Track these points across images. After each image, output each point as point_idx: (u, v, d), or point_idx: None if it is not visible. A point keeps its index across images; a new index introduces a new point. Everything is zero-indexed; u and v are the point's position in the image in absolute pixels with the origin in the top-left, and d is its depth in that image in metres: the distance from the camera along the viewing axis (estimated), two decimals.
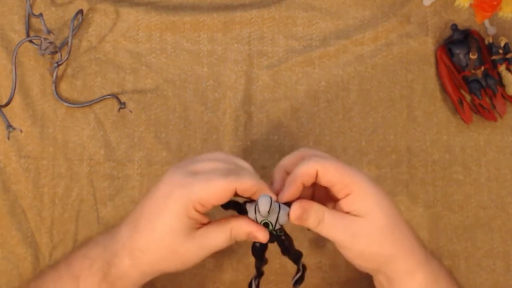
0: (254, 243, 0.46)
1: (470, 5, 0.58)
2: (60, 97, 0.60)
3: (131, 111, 0.60)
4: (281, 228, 0.45)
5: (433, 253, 0.50)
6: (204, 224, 0.44)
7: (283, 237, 0.45)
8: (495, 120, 0.60)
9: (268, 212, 0.41)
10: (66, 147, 0.59)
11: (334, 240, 0.43)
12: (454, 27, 0.62)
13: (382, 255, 0.43)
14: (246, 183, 0.42)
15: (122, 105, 0.59)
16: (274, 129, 0.60)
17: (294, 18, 0.62)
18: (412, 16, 0.63)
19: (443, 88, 0.62)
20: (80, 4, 0.61)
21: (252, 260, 0.58)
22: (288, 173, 0.45)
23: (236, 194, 0.43)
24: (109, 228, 0.47)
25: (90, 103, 0.60)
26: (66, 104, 0.60)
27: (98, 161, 0.59)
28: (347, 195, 0.43)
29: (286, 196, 0.43)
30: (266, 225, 0.43)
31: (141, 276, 0.44)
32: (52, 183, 0.58)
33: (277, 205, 0.43)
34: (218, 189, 0.41)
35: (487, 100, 0.61)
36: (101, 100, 0.60)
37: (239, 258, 0.58)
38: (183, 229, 0.42)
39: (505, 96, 0.61)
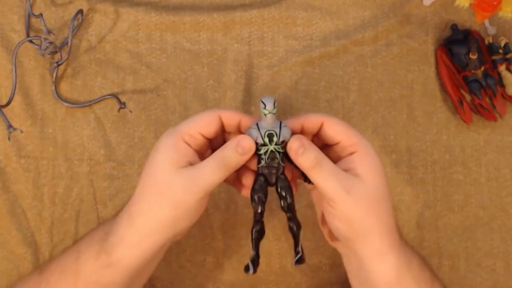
0: (254, 184, 0.44)
1: (470, 5, 0.58)
2: (60, 97, 0.60)
3: (131, 111, 0.60)
4: (284, 149, 0.43)
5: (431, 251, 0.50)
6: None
7: (283, 176, 0.44)
8: (495, 120, 0.60)
9: (274, 105, 0.42)
10: (66, 147, 0.59)
11: (325, 190, 0.42)
12: (454, 27, 0.62)
13: (364, 224, 0.43)
14: (229, 110, 0.44)
15: (122, 105, 0.59)
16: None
17: (294, 18, 0.62)
18: (412, 16, 0.63)
19: (443, 88, 0.62)
20: (80, 4, 0.61)
21: None
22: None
23: (223, 131, 0.44)
24: None
25: (90, 103, 0.60)
26: (66, 104, 0.60)
27: (98, 161, 0.59)
28: (351, 154, 0.43)
29: (285, 121, 0.44)
30: (270, 136, 0.42)
31: (138, 240, 0.42)
32: (52, 183, 0.58)
33: (279, 122, 0.43)
34: (202, 117, 0.43)
35: (487, 100, 0.61)
36: (101, 100, 0.60)
37: (239, 258, 0.58)
38: (170, 163, 0.41)
39: (505, 96, 0.61)
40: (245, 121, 0.44)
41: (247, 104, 0.60)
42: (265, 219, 0.57)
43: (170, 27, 0.61)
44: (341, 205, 0.42)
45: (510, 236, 0.59)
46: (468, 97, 0.61)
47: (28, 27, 0.61)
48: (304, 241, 0.57)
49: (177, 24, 0.61)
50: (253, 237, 0.45)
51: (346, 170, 0.43)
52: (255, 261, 0.46)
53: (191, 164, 0.42)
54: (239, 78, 0.61)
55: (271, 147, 0.43)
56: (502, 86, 0.61)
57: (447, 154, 0.61)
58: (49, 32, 0.58)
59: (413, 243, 0.59)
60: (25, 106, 0.59)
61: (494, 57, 0.61)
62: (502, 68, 0.61)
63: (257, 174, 0.44)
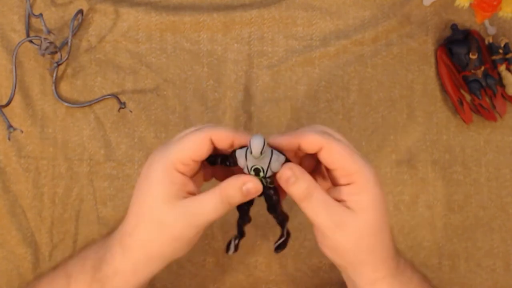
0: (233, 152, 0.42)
1: (470, 5, 0.58)
2: (60, 97, 0.60)
3: (131, 111, 0.60)
4: (272, 180, 0.42)
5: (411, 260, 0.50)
6: (192, 194, 0.41)
7: (272, 191, 0.42)
8: (495, 120, 0.60)
9: (261, 152, 0.38)
10: (66, 147, 0.59)
11: (315, 223, 0.41)
12: (454, 27, 0.62)
13: (354, 257, 0.42)
14: (221, 130, 0.40)
15: (122, 105, 0.59)
16: (274, 129, 0.60)
17: (294, 18, 0.62)
18: (412, 16, 0.63)
19: (443, 88, 0.62)
20: (80, 4, 0.61)
21: (252, 260, 0.58)
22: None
23: (215, 150, 0.41)
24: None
25: (90, 103, 0.60)
26: (66, 104, 0.60)
27: (98, 161, 0.59)
28: (348, 184, 0.41)
29: (277, 140, 0.41)
30: (257, 171, 0.40)
31: (133, 270, 0.41)
32: (52, 183, 0.58)
33: (269, 149, 0.40)
34: (193, 142, 0.40)
35: (487, 100, 0.61)
36: (101, 100, 0.60)
37: (239, 258, 0.58)
38: (167, 196, 0.39)
39: (505, 96, 0.61)
40: (239, 141, 0.41)
41: (247, 104, 0.60)
42: (265, 220, 0.57)
43: (170, 27, 0.61)
44: (330, 238, 0.41)
45: (510, 236, 0.59)
46: (468, 97, 0.61)
47: (28, 27, 0.61)
48: (304, 241, 0.58)
49: (177, 24, 0.61)
50: (238, 223, 0.46)
51: (340, 201, 0.41)
52: (239, 239, 0.47)
53: (188, 192, 0.41)
54: (239, 78, 0.61)
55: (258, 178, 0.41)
56: (502, 86, 0.61)
57: (447, 154, 0.61)
58: (49, 32, 0.58)
59: (413, 243, 0.59)
60: (25, 106, 0.59)
61: (494, 57, 0.61)
62: (502, 68, 0.61)
63: (234, 153, 0.42)
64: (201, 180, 0.45)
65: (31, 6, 0.61)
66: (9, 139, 0.57)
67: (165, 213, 0.40)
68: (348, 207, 0.40)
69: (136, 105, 0.60)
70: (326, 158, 0.41)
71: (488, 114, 0.60)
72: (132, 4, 0.62)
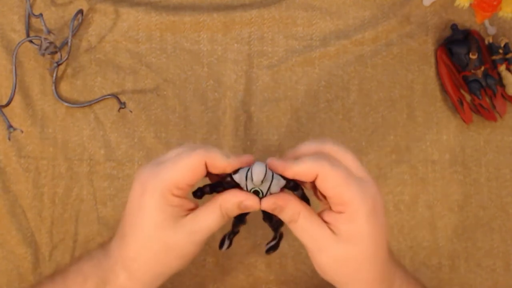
0: (225, 177, 0.42)
1: (470, 5, 0.58)
2: (60, 97, 0.60)
3: (131, 111, 0.60)
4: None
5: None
6: (190, 210, 0.41)
7: None
8: (495, 120, 0.60)
9: (262, 181, 0.39)
10: (66, 147, 0.59)
11: (302, 243, 0.41)
12: (454, 27, 0.62)
13: (338, 279, 0.42)
14: (216, 154, 0.39)
15: (122, 105, 0.59)
16: (274, 129, 0.60)
17: (294, 18, 0.62)
18: (412, 16, 0.63)
19: (443, 88, 0.62)
20: (80, 4, 0.61)
21: (252, 260, 0.58)
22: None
23: (208, 175, 0.41)
24: (104, 243, 0.45)
25: (90, 103, 0.60)
26: (66, 104, 0.60)
27: (98, 161, 0.59)
28: (339, 212, 0.40)
29: (274, 165, 0.40)
30: (256, 193, 0.41)
31: None
32: (52, 183, 0.58)
33: (270, 173, 0.40)
34: (188, 165, 0.39)
35: (487, 100, 0.61)
36: (101, 100, 0.60)
37: (239, 258, 0.58)
38: (168, 219, 0.39)
39: (505, 96, 0.61)
40: (233, 166, 0.41)
41: (247, 104, 0.60)
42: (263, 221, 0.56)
43: (170, 27, 0.61)
44: (314, 259, 0.41)
45: (510, 236, 0.59)
46: (468, 97, 0.61)
47: (28, 27, 0.61)
48: None
49: (177, 24, 0.61)
50: (234, 224, 0.46)
51: (328, 223, 0.40)
52: (232, 235, 0.47)
53: (187, 209, 0.41)
54: (239, 78, 0.61)
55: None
56: (502, 86, 0.61)
57: (447, 154, 0.61)
58: (49, 32, 0.58)
59: (413, 243, 0.59)
60: (25, 106, 0.59)
61: (494, 57, 0.61)
62: (502, 68, 0.61)
63: (227, 178, 0.42)
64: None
65: (31, 6, 0.61)
66: (9, 139, 0.57)
67: (168, 236, 0.40)
68: (334, 233, 0.40)
69: (136, 105, 0.60)
70: (320, 185, 0.40)
71: (488, 114, 0.60)
72: (132, 4, 0.62)
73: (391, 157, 0.60)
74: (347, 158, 0.41)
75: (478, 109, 0.61)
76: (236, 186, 0.41)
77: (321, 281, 0.58)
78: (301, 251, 0.58)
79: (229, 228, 0.47)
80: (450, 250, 0.59)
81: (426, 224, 0.59)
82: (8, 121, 0.56)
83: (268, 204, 0.40)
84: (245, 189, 0.41)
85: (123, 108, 0.59)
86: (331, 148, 0.41)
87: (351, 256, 0.40)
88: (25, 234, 0.57)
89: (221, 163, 0.40)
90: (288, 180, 0.41)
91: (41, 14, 0.58)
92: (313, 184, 0.41)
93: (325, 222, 0.41)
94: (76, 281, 0.43)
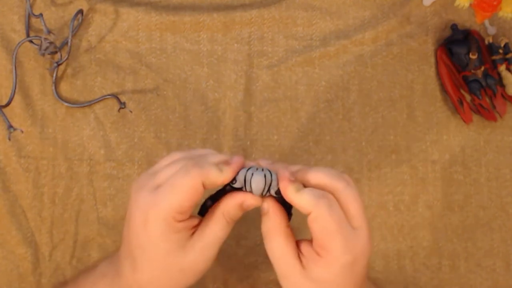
0: (225, 186, 0.42)
1: (470, 5, 0.58)
2: (60, 97, 0.60)
3: (131, 111, 0.60)
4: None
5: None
6: (196, 226, 0.41)
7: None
8: (495, 120, 0.60)
9: (262, 193, 0.40)
10: (66, 147, 0.59)
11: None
12: (454, 27, 0.62)
13: None
14: (210, 173, 0.39)
15: (122, 105, 0.59)
16: (274, 129, 0.60)
17: (294, 18, 0.62)
18: (412, 16, 0.63)
19: (443, 88, 0.62)
20: (80, 4, 0.61)
21: (252, 260, 0.58)
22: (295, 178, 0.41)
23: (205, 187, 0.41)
24: (112, 257, 0.45)
25: (90, 103, 0.60)
26: (66, 104, 0.60)
27: (98, 161, 0.59)
28: (317, 253, 0.39)
29: (281, 178, 0.40)
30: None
31: None
32: (52, 183, 0.58)
33: (269, 176, 0.40)
34: (185, 189, 0.39)
35: (487, 100, 0.61)
36: (101, 100, 0.60)
37: (239, 258, 0.58)
38: (177, 245, 0.39)
39: (505, 96, 0.61)
40: (228, 178, 0.40)
41: (247, 104, 0.60)
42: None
43: (170, 27, 0.61)
44: (279, 279, 0.41)
45: (510, 236, 0.59)
46: (468, 97, 0.61)
47: (28, 27, 0.61)
48: None
49: (177, 24, 0.61)
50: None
51: (302, 254, 0.40)
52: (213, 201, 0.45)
53: (193, 227, 0.41)
54: (239, 78, 0.61)
55: None
56: (502, 86, 0.61)
57: (447, 154, 0.61)
58: (49, 32, 0.58)
59: (413, 243, 0.59)
60: (25, 106, 0.59)
61: (494, 57, 0.61)
62: (502, 68, 0.61)
63: (228, 186, 0.42)
64: None
65: (31, 6, 0.61)
66: (9, 139, 0.57)
67: (181, 260, 0.40)
68: (303, 267, 0.40)
69: (136, 105, 0.60)
70: (310, 223, 0.39)
71: (488, 114, 0.60)
72: (132, 4, 0.62)
73: (391, 157, 0.60)
74: (352, 204, 0.40)
75: (478, 109, 0.61)
76: (237, 189, 0.41)
77: None
78: None
79: (234, 231, 0.47)
80: (450, 250, 0.59)
81: (426, 224, 0.59)
82: (8, 121, 0.55)
83: (264, 204, 0.41)
84: (244, 190, 0.41)
85: (123, 108, 0.59)
86: (343, 187, 0.40)
87: None
88: (25, 234, 0.57)
89: (217, 180, 0.40)
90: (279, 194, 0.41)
91: (41, 14, 0.58)
92: None
93: (300, 251, 0.40)
94: None
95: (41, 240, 0.57)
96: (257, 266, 0.57)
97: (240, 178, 0.40)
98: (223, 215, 0.41)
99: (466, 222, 0.59)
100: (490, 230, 0.59)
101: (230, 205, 0.41)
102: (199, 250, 0.40)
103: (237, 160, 0.41)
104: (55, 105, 0.60)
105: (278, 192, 0.40)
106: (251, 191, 0.40)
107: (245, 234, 0.58)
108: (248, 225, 0.55)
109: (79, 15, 0.60)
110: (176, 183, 0.39)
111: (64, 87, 0.60)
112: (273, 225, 0.41)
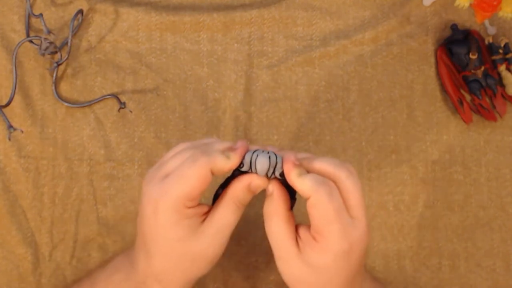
0: (233, 172, 0.43)
1: (470, 5, 0.58)
2: (60, 97, 0.60)
3: (131, 111, 0.60)
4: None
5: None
6: (206, 213, 0.42)
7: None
8: (495, 120, 0.60)
9: (267, 173, 0.40)
10: (66, 147, 0.59)
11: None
12: (454, 27, 0.62)
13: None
14: (217, 161, 0.40)
15: (122, 105, 0.59)
16: (274, 129, 0.60)
17: (294, 18, 0.62)
18: (412, 16, 0.63)
19: (443, 88, 0.62)
20: (80, 4, 0.61)
21: (252, 260, 0.58)
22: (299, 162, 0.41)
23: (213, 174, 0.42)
24: (127, 251, 0.46)
25: (90, 103, 0.60)
26: (66, 104, 0.60)
27: (98, 161, 0.59)
28: (314, 238, 0.40)
29: (286, 160, 0.40)
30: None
31: None
32: (52, 183, 0.58)
33: (274, 158, 0.41)
34: (194, 177, 0.39)
35: (487, 100, 0.61)
36: (101, 100, 0.60)
37: (239, 258, 0.58)
38: (188, 231, 0.40)
39: (505, 96, 0.61)
40: (235, 164, 0.41)
41: (247, 104, 0.60)
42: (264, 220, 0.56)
43: (170, 27, 0.61)
44: (275, 261, 0.42)
45: (510, 236, 0.59)
46: (468, 97, 0.61)
47: (28, 27, 0.61)
48: None
49: (177, 24, 0.61)
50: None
51: (299, 237, 0.41)
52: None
53: (203, 214, 0.42)
54: (239, 78, 0.61)
55: None
56: (502, 86, 0.61)
57: (447, 154, 0.61)
58: (49, 32, 0.58)
59: (413, 243, 0.59)
60: (25, 106, 0.59)
61: (494, 57, 0.61)
62: (502, 68, 0.61)
63: (236, 171, 0.43)
64: None
65: (31, 6, 0.61)
66: (9, 139, 0.57)
67: (193, 247, 0.40)
68: (300, 250, 0.40)
69: (136, 105, 0.60)
70: (308, 208, 0.40)
71: (488, 114, 0.60)
72: (132, 4, 0.62)
73: (391, 157, 0.60)
74: (353, 194, 0.40)
75: (478, 109, 0.61)
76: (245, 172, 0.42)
77: None
78: None
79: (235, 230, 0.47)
80: (450, 250, 0.59)
81: (426, 224, 0.59)
82: (8, 121, 0.55)
83: (269, 185, 0.42)
84: (250, 172, 0.42)
85: (123, 108, 0.59)
86: (345, 177, 0.40)
87: (305, 279, 0.40)
88: (25, 234, 0.57)
89: (225, 166, 0.40)
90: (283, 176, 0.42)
91: (41, 14, 0.58)
92: None
93: (298, 235, 0.41)
94: None
95: (41, 240, 0.57)
96: (257, 266, 0.58)
97: (247, 160, 0.41)
98: (232, 199, 0.41)
99: (466, 222, 0.59)
100: (490, 230, 0.59)
101: (238, 188, 0.41)
102: (210, 236, 0.41)
103: (242, 145, 0.42)
104: (55, 105, 0.60)
105: (282, 174, 0.41)
106: (256, 173, 0.41)
107: (245, 234, 0.58)
108: (248, 225, 0.55)
109: (79, 15, 0.60)
110: (184, 172, 0.39)
111: (64, 87, 0.60)
112: (275, 207, 0.41)
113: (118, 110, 0.60)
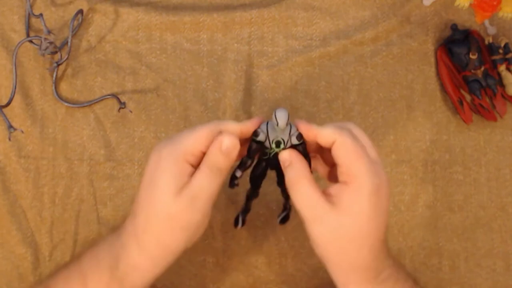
0: (254, 168, 0.46)
1: (470, 5, 0.58)
2: (60, 97, 0.60)
3: (131, 111, 0.60)
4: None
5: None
6: None
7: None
8: (495, 120, 0.60)
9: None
10: (66, 147, 0.59)
11: (298, 211, 0.42)
12: (454, 27, 0.62)
13: (327, 255, 0.42)
14: (229, 124, 0.42)
15: (122, 105, 0.59)
16: None
17: (294, 18, 0.62)
18: (412, 16, 0.63)
19: (443, 88, 0.62)
20: (80, 4, 0.61)
21: (252, 260, 0.58)
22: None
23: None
24: (118, 228, 0.46)
25: (90, 103, 0.60)
26: (66, 104, 0.60)
27: (98, 161, 0.59)
28: (345, 182, 0.41)
29: (302, 123, 0.42)
30: (277, 144, 0.42)
31: (151, 265, 0.42)
32: (52, 183, 0.58)
33: (289, 126, 0.43)
34: (202, 133, 0.41)
35: (487, 100, 0.61)
36: (101, 100, 0.60)
37: (239, 258, 0.58)
38: (177, 188, 0.40)
39: (505, 96, 0.61)
40: (246, 129, 0.43)
41: (247, 104, 0.60)
42: (265, 220, 0.57)
43: (170, 27, 0.61)
44: (308, 230, 0.42)
45: (510, 236, 0.59)
46: (468, 97, 0.61)
47: (28, 27, 0.61)
48: (304, 241, 0.58)
49: (177, 24, 0.61)
50: (247, 196, 0.49)
51: (329, 195, 0.41)
52: (245, 213, 0.51)
53: None
54: (239, 78, 0.61)
55: (277, 150, 0.43)
56: (502, 86, 0.61)
57: (447, 154, 0.61)
58: (49, 32, 0.58)
59: (413, 243, 0.59)
60: (25, 106, 0.59)
61: (494, 57, 0.61)
62: (502, 68, 0.61)
63: (260, 160, 0.45)
64: None
65: (31, 6, 0.61)
66: (9, 139, 0.57)
67: (172, 206, 0.40)
68: (333, 203, 0.41)
69: (136, 105, 0.60)
70: (335, 152, 0.41)
71: (488, 114, 0.60)
72: (132, 4, 0.62)
73: (391, 157, 0.60)
74: (365, 141, 0.43)
75: (478, 109, 0.61)
76: (261, 149, 0.43)
77: (321, 281, 0.58)
78: (301, 251, 0.58)
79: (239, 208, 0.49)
80: (450, 250, 0.59)
81: (426, 224, 0.59)
82: (9, 121, 0.56)
83: (284, 154, 0.42)
84: (268, 144, 0.43)
85: (123, 108, 0.59)
86: (352, 126, 0.43)
87: (344, 228, 0.40)
88: (25, 234, 0.57)
89: (234, 128, 0.42)
90: (300, 139, 0.43)
91: (41, 14, 0.58)
92: (319, 154, 0.46)
93: (326, 194, 0.42)
94: (91, 263, 0.44)
95: (41, 240, 0.58)
96: (257, 266, 0.58)
97: (263, 128, 0.43)
98: (205, 163, 0.41)
99: (466, 222, 0.59)
100: (490, 230, 0.59)
101: (210, 152, 0.41)
102: (187, 200, 0.40)
103: (255, 119, 0.44)
104: (55, 105, 0.60)
105: (299, 137, 0.42)
106: (271, 137, 0.42)
107: (245, 234, 0.58)
108: (248, 225, 0.55)
109: (79, 15, 0.60)
110: (194, 130, 0.41)
111: (64, 87, 0.60)
112: (298, 172, 0.42)
113: (118, 110, 0.60)
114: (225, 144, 0.41)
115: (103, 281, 0.42)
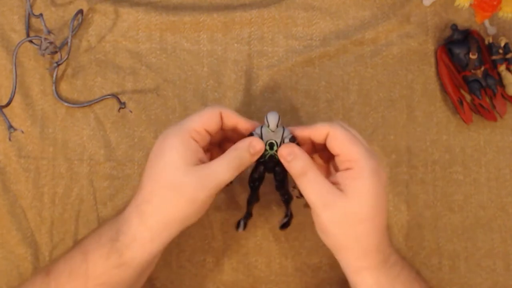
0: (252, 172, 0.49)
1: (470, 5, 0.58)
2: (60, 97, 0.60)
3: (131, 111, 0.60)
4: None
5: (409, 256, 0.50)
6: (204, 162, 0.44)
7: (280, 168, 0.47)
8: (495, 120, 0.60)
9: (277, 125, 0.44)
10: (66, 147, 0.59)
11: (308, 200, 0.44)
12: (454, 27, 0.62)
13: (338, 239, 0.44)
14: (229, 110, 0.46)
15: (122, 105, 0.59)
16: None
17: (294, 18, 0.62)
18: (412, 16, 0.63)
19: (443, 88, 0.62)
20: (80, 4, 0.61)
21: (252, 260, 0.58)
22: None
23: (222, 130, 0.46)
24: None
25: (90, 103, 0.60)
26: (66, 104, 0.60)
27: (98, 161, 0.59)
28: (347, 169, 0.43)
29: (294, 128, 0.46)
30: (271, 146, 0.45)
31: (151, 237, 0.43)
32: (52, 183, 0.58)
33: (281, 127, 0.46)
34: (206, 114, 0.44)
35: (487, 100, 0.61)
36: (101, 100, 0.60)
37: (239, 258, 0.58)
38: (183, 161, 0.42)
39: (505, 96, 0.61)
40: (242, 124, 0.46)
41: (247, 104, 0.60)
42: (265, 220, 0.57)
43: (170, 27, 0.61)
44: (319, 217, 0.44)
45: (510, 236, 0.59)
46: (468, 97, 0.61)
47: (28, 27, 0.61)
48: (304, 241, 0.58)
49: (177, 24, 0.61)
50: (248, 201, 0.51)
51: (335, 183, 0.44)
52: (247, 218, 0.53)
53: (201, 161, 0.44)
54: (239, 78, 0.61)
55: (271, 152, 0.46)
56: (502, 86, 0.61)
57: (447, 154, 0.61)
58: (49, 32, 0.58)
59: (413, 243, 0.59)
60: (25, 106, 0.59)
61: (494, 57, 0.61)
62: (502, 68, 0.61)
63: (257, 163, 0.48)
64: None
65: (31, 6, 0.61)
66: (9, 139, 0.57)
67: (179, 177, 0.42)
68: (340, 190, 0.43)
69: (136, 105, 0.60)
70: (331, 143, 0.44)
71: (488, 114, 0.60)
72: (132, 4, 0.62)
73: (391, 157, 0.60)
74: (354, 132, 0.46)
75: (478, 109, 0.61)
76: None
77: (321, 281, 0.58)
78: (301, 251, 0.58)
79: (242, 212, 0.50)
80: (450, 250, 0.59)
81: (426, 224, 0.59)
82: (9, 122, 0.55)
83: (285, 150, 0.44)
84: (264, 139, 0.46)
85: (123, 108, 0.59)
86: (342, 123, 0.46)
87: (354, 211, 0.42)
88: (25, 234, 0.57)
89: (234, 116, 0.46)
90: (294, 141, 0.46)
91: (41, 14, 0.58)
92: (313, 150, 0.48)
93: (332, 182, 0.44)
94: (92, 240, 0.45)
95: (41, 240, 0.58)
96: (257, 266, 0.58)
97: (257, 131, 0.46)
98: (230, 153, 0.44)
99: (466, 222, 0.59)
100: (490, 230, 0.59)
101: (238, 147, 0.44)
102: (198, 176, 0.42)
103: (254, 122, 0.47)
104: (55, 105, 0.60)
105: (292, 139, 0.46)
106: (264, 139, 0.45)
107: (245, 234, 0.58)
108: (248, 225, 0.55)
109: (79, 15, 0.60)
110: (199, 112, 0.45)
111: (64, 87, 0.60)
112: (303, 162, 0.44)
113: (118, 110, 0.60)
114: (257, 147, 0.44)
115: (103, 253, 0.43)
